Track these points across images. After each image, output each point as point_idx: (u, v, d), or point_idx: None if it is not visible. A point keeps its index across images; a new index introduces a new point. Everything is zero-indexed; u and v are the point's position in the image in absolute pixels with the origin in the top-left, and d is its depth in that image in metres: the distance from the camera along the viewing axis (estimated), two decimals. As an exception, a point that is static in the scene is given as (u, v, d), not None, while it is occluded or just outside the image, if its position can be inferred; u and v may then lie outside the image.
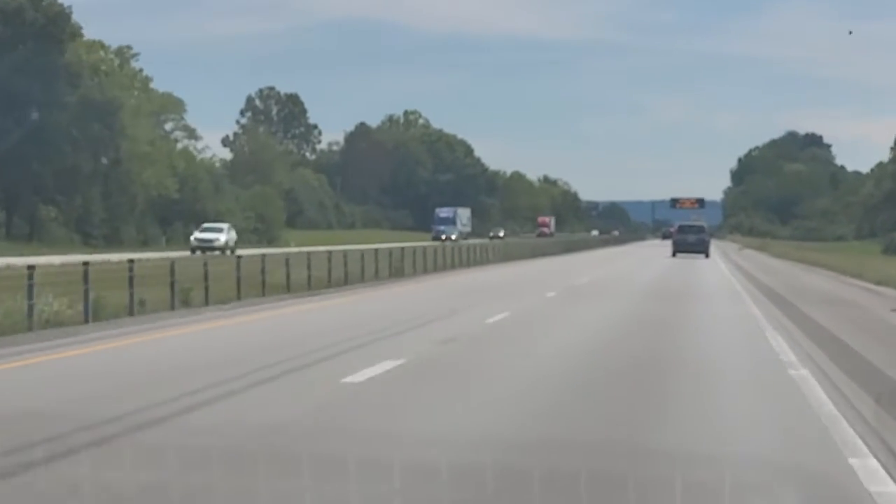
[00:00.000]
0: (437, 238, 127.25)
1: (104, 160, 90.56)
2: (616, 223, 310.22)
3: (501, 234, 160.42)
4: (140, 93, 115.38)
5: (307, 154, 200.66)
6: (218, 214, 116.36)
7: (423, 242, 71.87)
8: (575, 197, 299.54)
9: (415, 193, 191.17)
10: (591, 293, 37.99)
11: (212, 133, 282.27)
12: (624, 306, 31.82)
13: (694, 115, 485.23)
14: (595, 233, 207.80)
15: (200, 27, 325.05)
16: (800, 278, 50.38)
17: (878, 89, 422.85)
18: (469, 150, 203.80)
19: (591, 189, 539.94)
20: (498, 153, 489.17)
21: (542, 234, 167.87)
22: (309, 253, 43.90)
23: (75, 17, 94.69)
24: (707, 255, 79.63)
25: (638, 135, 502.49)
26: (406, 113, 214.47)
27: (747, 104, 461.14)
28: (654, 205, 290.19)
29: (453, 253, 59.47)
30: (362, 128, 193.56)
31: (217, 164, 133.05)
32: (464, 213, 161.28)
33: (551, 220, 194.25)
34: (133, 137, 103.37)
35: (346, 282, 43.02)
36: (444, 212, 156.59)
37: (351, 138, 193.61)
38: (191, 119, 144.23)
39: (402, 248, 51.91)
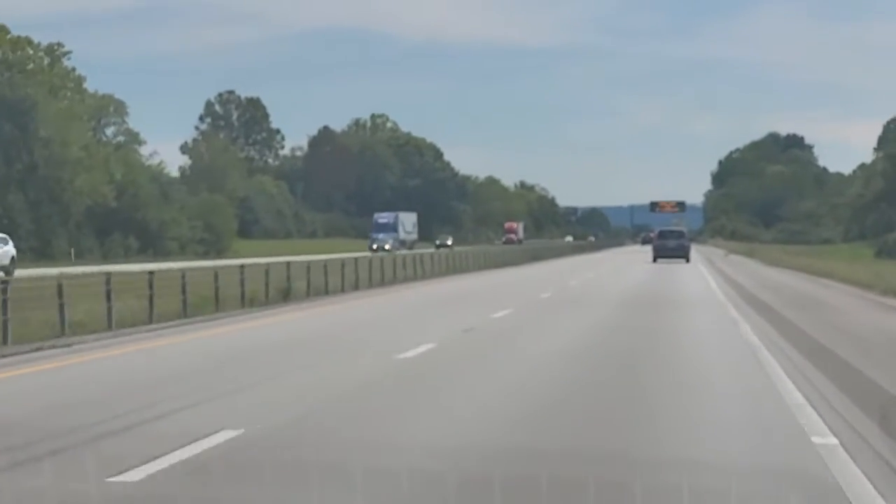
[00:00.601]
0: (373, 247, 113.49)
1: (18, 165, 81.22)
2: (596, 228, 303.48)
3: (449, 241, 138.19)
4: (73, 94, 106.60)
5: (269, 160, 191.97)
6: (161, 224, 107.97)
7: (355, 253, 62.70)
8: (552, 202, 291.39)
9: (381, 199, 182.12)
10: (539, 321, 29.25)
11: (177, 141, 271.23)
12: (585, 341, 23.19)
13: (673, 118, 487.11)
14: (569, 238, 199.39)
15: (181, 39, 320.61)
16: (826, 304, 34.10)
17: (855, 91, 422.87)
18: (439, 154, 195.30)
19: (571, 194, 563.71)
20: (476, 160, 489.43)
21: (508, 241, 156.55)
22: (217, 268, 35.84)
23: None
24: (688, 260, 79.79)
25: (618, 139, 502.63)
26: (373, 116, 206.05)
27: (726, 107, 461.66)
28: (632, 209, 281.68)
29: (386, 266, 50.57)
30: (326, 132, 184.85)
31: (165, 171, 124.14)
32: (408, 219, 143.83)
33: (519, 226, 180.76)
34: (63, 141, 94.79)
35: (241, 304, 34.59)
36: (382, 217, 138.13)
37: (314, 143, 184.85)
38: (156, 128, 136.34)
39: (326, 262, 43.15)
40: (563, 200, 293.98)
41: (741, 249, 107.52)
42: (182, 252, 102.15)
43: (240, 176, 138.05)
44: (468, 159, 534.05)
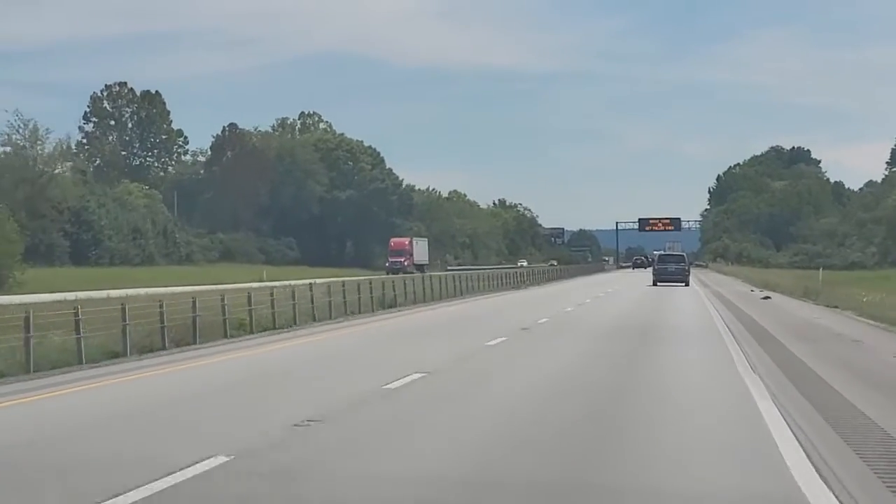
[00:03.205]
0: None
1: None
2: (584, 251, 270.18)
3: None
4: None
5: (170, 167, 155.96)
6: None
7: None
8: (532, 222, 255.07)
9: (304, 216, 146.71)
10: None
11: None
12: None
13: (666, 141, 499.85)
14: (523, 263, 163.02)
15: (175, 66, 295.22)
16: None
17: (851, 113, 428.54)
18: (378, 160, 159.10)
19: (562, 217, 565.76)
20: (465, 184, 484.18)
21: (393, 267, 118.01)
22: None
23: None
24: (686, 284, 78.72)
25: (609, 162, 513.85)
26: (303, 115, 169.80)
27: (719, 131, 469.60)
28: (618, 227, 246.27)
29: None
30: (233, 132, 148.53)
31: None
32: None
33: (416, 245, 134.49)
34: None
35: None
36: None
37: (218, 146, 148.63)
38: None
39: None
40: (554, 223, 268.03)
41: (769, 278, 71.53)
42: None
43: (64, 184, 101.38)
44: (453, 181, 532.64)
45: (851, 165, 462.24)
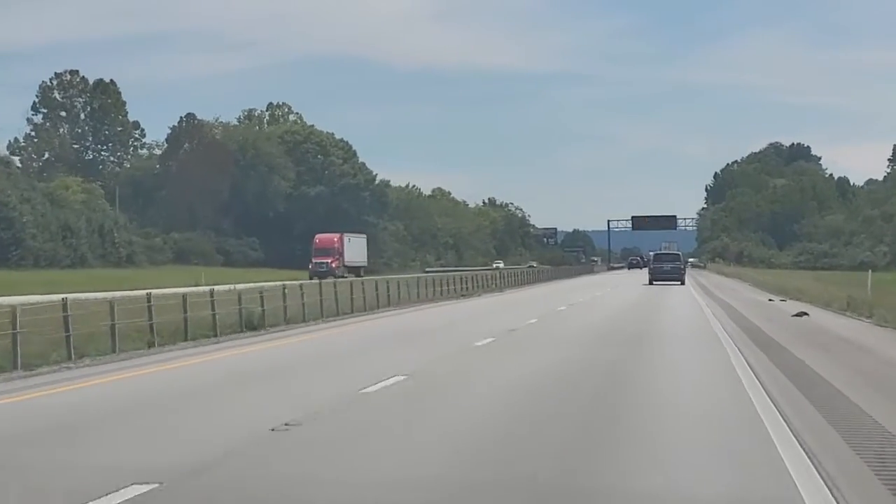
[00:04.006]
0: None
1: None
2: (578, 251, 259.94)
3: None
4: None
5: (126, 162, 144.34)
6: None
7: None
8: (522, 221, 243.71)
9: (268, 214, 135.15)
10: None
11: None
12: None
13: (663, 142, 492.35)
14: (499, 264, 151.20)
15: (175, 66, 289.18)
16: None
17: (848, 112, 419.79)
18: (350, 154, 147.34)
19: (561, 219, 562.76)
20: (466, 186, 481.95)
21: (318, 270, 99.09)
22: None
23: None
24: (682, 283, 79.21)
25: (605, 162, 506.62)
26: (271, 107, 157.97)
27: (717, 132, 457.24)
28: (610, 226, 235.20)
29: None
30: (191, 123, 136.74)
31: None
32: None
33: (343, 241, 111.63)
34: None
35: None
36: None
37: (174, 138, 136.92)
38: None
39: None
40: (550, 224, 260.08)
41: (782, 282, 57.53)
42: None
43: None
44: (460, 186, 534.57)
45: (851, 164, 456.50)
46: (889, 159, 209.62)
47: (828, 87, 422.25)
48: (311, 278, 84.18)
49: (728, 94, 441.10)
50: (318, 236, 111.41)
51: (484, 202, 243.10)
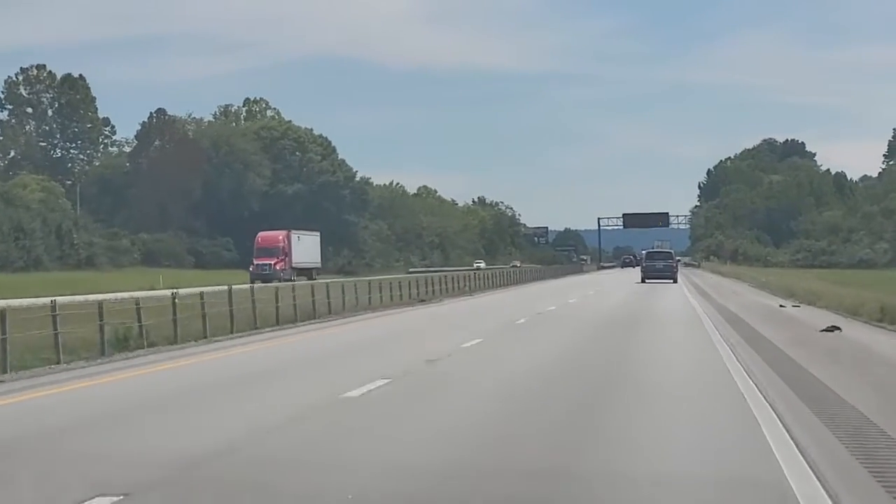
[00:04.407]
0: None
1: None
2: (570, 250, 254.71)
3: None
4: None
5: (95, 160, 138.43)
6: None
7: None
8: (512, 220, 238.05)
9: (243, 213, 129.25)
10: None
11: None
12: None
13: (656, 141, 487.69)
14: (479, 264, 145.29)
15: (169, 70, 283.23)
16: None
17: (841, 112, 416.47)
18: (329, 150, 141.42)
19: (554, 219, 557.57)
20: (460, 187, 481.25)
21: (260, 272, 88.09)
22: None
23: None
24: (675, 281, 78.76)
25: (599, 162, 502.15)
26: (248, 102, 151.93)
27: (710, 131, 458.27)
28: (600, 226, 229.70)
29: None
30: (161, 118, 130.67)
31: None
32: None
33: (290, 239, 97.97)
34: None
35: None
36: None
37: (144, 135, 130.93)
38: None
39: None
40: (542, 223, 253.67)
41: (812, 288, 46.81)
42: None
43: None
44: (453, 187, 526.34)
45: (845, 162, 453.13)
46: (884, 155, 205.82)
47: (821, 86, 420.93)
48: (252, 282, 75.68)
49: (721, 93, 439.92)
50: (260, 234, 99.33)
51: (474, 201, 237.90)
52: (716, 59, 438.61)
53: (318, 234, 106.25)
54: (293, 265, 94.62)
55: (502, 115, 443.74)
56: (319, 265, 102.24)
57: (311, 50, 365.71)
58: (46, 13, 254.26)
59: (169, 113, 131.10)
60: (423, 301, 47.30)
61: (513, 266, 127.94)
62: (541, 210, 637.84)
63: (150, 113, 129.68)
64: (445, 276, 64.72)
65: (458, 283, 62.45)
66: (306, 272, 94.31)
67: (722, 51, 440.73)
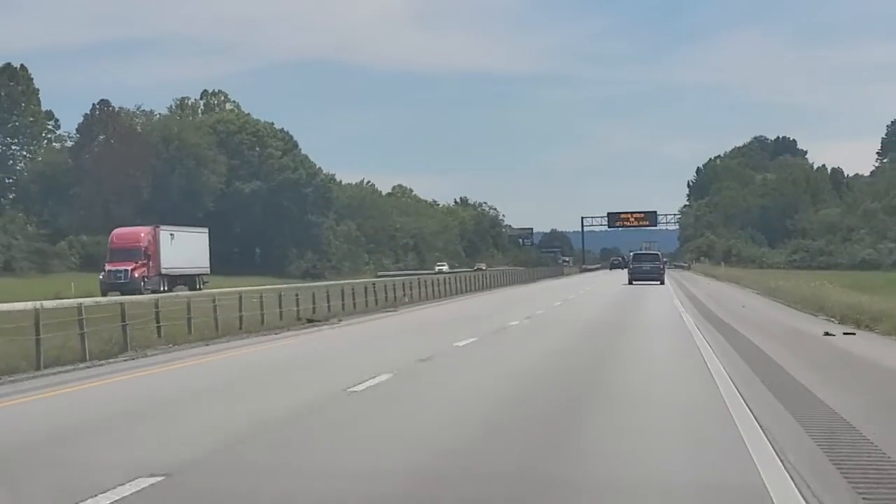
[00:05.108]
0: None
1: None
2: (556, 252, 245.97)
3: None
4: None
5: (39, 157, 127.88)
6: None
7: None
8: (494, 221, 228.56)
9: (196, 213, 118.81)
10: None
11: None
12: None
13: (644, 142, 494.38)
14: (442, 267, 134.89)
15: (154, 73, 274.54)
16: None
17: (831, 112, 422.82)
18: (290, 145, 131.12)
19: (542, 220, 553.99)
20: (446, 189, 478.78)
21: (113, 280, 71.10)
22: None
23: None
24: (662, 283, 78.06)
25: (588, 164, 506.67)
26: (205, 94, 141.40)
27: (699, 132, 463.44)
28: (583, 225, 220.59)
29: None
30: (105, 110, 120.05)
31: None
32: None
33: (157, 238, 77.45)
34: None
35: None
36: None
37: (87, 128, 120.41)
38: None
39: None
40: (529, 225, 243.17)
41: (850, 302, 33.44)
42: None
43: None
44: (439, 191, 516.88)
45: (836, 160, 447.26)
46: (878, 153, 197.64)
47: (809, 86, 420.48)
48: (104, 293, 63.36)
49: (709, 94, 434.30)
50: (115, 232, 79.18)
51: (456, 201, 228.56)
52: (703, 59, 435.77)
53: (206, 231, 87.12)
54: (162, 271, 75.76)
55: (489, 117, 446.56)
56: (208, 270, 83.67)
57: (294, 53, 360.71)
58: (38, 17, 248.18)
59: (113, 105, 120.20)
60: (312, 321, 35.83)
61: (477, 269, 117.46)
62: (527, 212, 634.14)
63: (93, 104, 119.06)
64: (396, 283, 54.69)
65: (411, 290, 52.27)
66: (186, 280, 77.62)
67: (709, 52, 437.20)
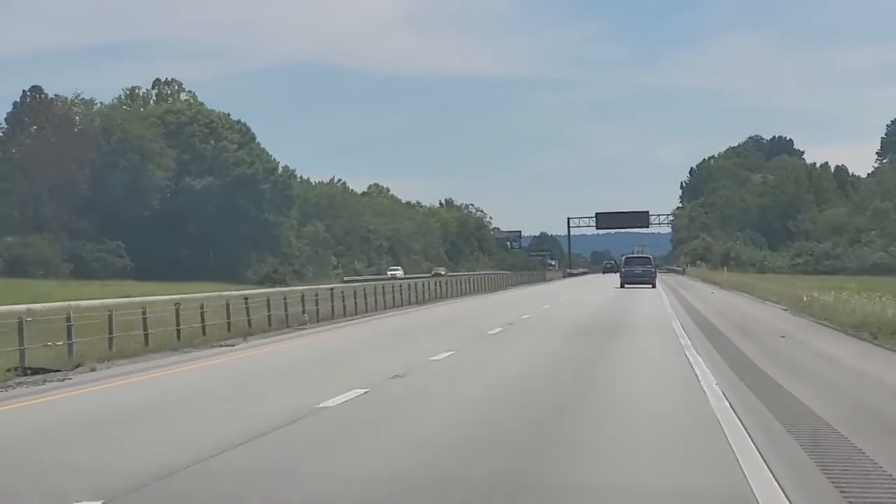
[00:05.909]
0: None
1: None
2: (545, 255, 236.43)
3: None
4: None
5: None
6: None
7: None
8: (479, 223, 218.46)
9: (141, 212, 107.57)
10: None
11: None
12: None
13: (635, 146, 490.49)
14: (397, 272, 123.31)
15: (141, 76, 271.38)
16: None
17: (825, 115, 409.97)
18: (247, 138, 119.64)
19: (534, 224, 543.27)
20: (435, 192, 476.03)
21: None
22: None
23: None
24: (653, 286, 79.70)
25: (579, 168, 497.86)
26: (158, 83, 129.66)
27: (691, 136, 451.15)
28: (570, 226, 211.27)
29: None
30: (36, 99, 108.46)
31: None
32: None
33: None
34: None
35: None
36: None
37: (16, 118, 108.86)
38: None
39: None
40: (518, 228, 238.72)
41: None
42: None
43: None
44: (417, 190, 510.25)
45: (834, 161, 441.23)
46: (877, 153, 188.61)
47: (805, 89, 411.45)
48: None
49: (702, 97, 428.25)
50: None
51: (441, 203, 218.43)
52: (697, 63, 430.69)
53: None
54: None
55: (481, 120, 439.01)
56: None
57: (285, 57, 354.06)
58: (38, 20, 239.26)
59: (47, 92, 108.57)
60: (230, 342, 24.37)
61: (434, 275, 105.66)
62: (517, 215, 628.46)
63: (24, 91, 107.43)
64: (333, 292, 43.69)
65: (358, 299, 41.38)
66: None
67: (704, 55, 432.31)
